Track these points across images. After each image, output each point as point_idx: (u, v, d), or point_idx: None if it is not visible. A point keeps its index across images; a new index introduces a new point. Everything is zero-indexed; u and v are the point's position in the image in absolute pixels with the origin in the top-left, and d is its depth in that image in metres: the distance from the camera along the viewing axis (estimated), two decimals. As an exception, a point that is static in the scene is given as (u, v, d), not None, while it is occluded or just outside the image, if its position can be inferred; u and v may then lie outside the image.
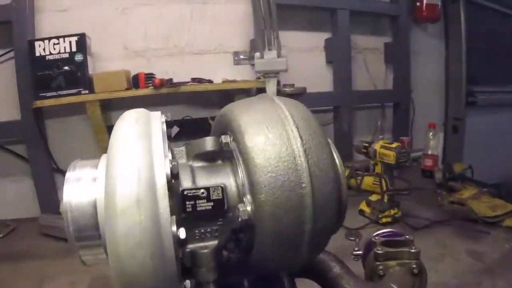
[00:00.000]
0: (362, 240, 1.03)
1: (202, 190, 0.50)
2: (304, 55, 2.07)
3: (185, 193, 0.50)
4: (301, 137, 0.44)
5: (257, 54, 1.53)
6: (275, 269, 0.54)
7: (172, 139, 0.56)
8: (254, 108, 0.50)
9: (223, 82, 1.79)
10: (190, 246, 0.52)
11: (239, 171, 0.50)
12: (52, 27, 1.69)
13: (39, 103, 1.57)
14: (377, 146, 1.53)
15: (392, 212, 1.51)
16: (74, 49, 1.56)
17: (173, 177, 0.43)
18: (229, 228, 0.51)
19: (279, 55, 1.51)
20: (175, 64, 1.85)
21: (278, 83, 1.67)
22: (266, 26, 1.44)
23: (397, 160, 1.45)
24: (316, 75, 2.12)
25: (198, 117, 1.83)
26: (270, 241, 0.46)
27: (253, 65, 1.59)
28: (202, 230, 0.52)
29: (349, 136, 2.18)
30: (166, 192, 0.41)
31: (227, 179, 0.53)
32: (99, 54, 1.76)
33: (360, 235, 1.41)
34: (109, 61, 1.78)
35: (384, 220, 1.49)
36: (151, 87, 1.62)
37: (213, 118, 1.76)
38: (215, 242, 0.52)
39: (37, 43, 1.54)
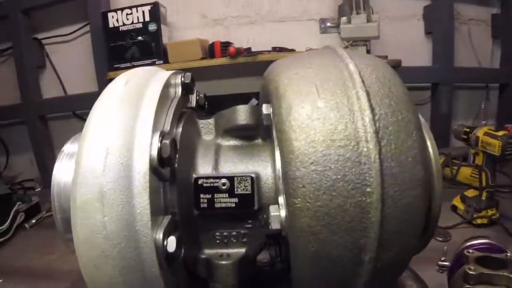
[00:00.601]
0: (450, 246, 0.81)
1: (223, 180, 0.34)
2: (399, 24, 1.75)
3: (199, 182, 0.35)
4: (372, 109, 0.25)
5: (344, 19, 1.30)
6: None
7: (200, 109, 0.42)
8: (304, 61, 0.31)
9: (306, 51, 1.60)
10: (207, 252, 0.36)
11: (276, 157, 0.33)
12: None
13: (112, 74, 1.52)
14: (480, 132, 1.24)
15: (490, 212, 1.23)
16: (147, 18, 1.48)
17: (163, 163, 0.27)
18: (262, 234, 0.35)
19: (369, 20, 1.25)
20: (256, 32, 1.70)
21: (368, 53, 1.43)
22: (354, -13, 1.21)
23: (503, 151, 1.16)
24: (413, 47, 1.80)
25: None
26: (308, 267, 0.28)
27: (340, 33, 1.37)
28: (225, 233, 0.36)
29: (448, 118, 1.86)
30: (147, 183, 0.26)
31: (263, 167, 0.36)
32: (176, 23, 1.68)
33: (449, 235, 1.17)
34: (187, 30, 1.69)
35: (479, 221, 1.22)
36: (227, 56, 1.47)
37: (295, 92, 1.61)
38: (242, 250, 0.37)
39: (110, 14, 1.49)
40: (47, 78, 1.83)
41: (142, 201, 0.25)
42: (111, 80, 1.32)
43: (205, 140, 0.40)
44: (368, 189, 0.24)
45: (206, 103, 0.46)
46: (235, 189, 0.34)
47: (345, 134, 0.25)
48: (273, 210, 0.30)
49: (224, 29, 1.69)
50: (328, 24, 1.59)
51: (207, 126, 0.41)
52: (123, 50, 1.51)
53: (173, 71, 0.38)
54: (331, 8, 1.69)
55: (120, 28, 1.49)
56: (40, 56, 1.77)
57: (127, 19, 1.48)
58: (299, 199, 0.25)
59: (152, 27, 1.48)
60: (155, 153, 0.27)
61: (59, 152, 1.28)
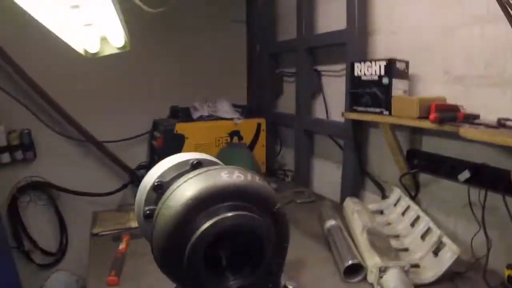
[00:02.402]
0: None
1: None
2: None
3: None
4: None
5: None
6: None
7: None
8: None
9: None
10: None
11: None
12: (382, 48, 2.13)
13: (346, 115, 2.11)
14: None
15: None
16: (382, 73, 1.92)
17: (154, 189, 0.95)
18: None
19: None
20: (494, 96, 1.72)
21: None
22: None
23: None
24: None
25: (499, 166, 1.66)
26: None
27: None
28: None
29: None
30: (145, 193, 0.93)
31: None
32: (419, 77, 1.99)
33: None
34: (428, 84, 1.96)
35: None
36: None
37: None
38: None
39: (356, 64, 2.05)
40: (318, 102, 2.68)
41: (143, 197, 0.94)
42: (349, 119, 2.18)
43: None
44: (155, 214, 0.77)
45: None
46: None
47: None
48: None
49: (464, 88, 1.83)
50: None
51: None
52: (359, 96, 2.07)
53: (198, 155, 1.03)
54: None
55: (362, 78, 2.05)
56: (317, 83, 2.62)
57: (367, 71, 2.00)
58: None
59: (385, 80, 1.93)
60: (151, 186, 0.96)
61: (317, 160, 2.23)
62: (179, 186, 0.79)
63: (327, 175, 2.72)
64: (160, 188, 0.97)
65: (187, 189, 0.77)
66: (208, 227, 0.73)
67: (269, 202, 0.83)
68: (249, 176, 0.82)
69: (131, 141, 3.08)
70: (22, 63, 2.65)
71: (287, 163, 3.17)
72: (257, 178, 0.83)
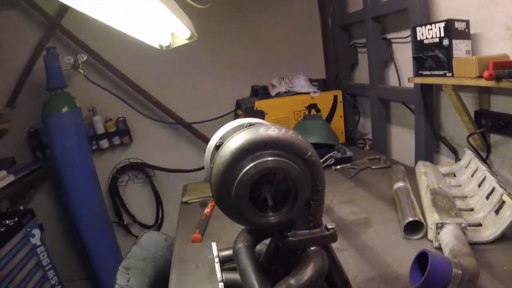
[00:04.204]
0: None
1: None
2: None
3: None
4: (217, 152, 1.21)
5: None
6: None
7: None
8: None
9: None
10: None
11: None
12: (445, 9, 2.27)
13: (412, 80, 2.32)
14: None
15: None
16: (442, 34, 2.08)
17: (216, 147, 1.35)
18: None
19: None
20: None
21: None
22: None
23: None
24: None
25: None
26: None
27: None
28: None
29: None
30: (211, 150, 1.33)
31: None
32: (481, 35, 2.09)
33: None
34: (492, 43, 2.03)
35: None
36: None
37: None
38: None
39: (417, 29, 2.22)
40: (391, 70, 2.91)
41: (209, 155, 1.29)
42: (417, 84, 2.58)
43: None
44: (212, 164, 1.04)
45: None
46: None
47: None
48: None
49: (527, 43, 1.87)
50: None
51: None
52: (422, 60, 2.26)
53: (251, 119, 1.39)
54: None
55: (424, 41, 2.23)
56: (387, 52, 2.85)
57: (429, 34, 2.18)
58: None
59: (445, 42, 2.09)
60: (214, 146, 1.33)
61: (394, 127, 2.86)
62: (228, 141, 1.05)
63: (403, 141, 2.96)
64: (220, 147, 1.30)
65: (233, 142, 1.03)
66: (251, 167, 0.98)
67: (301, 150, 1.04)
68: (283, 130, 1.04)
69: (217, 120, 3.61)
70: (114, 62, 3.35)
71: (367, 132, 3.44)
72: (290, 132, 1.05)
